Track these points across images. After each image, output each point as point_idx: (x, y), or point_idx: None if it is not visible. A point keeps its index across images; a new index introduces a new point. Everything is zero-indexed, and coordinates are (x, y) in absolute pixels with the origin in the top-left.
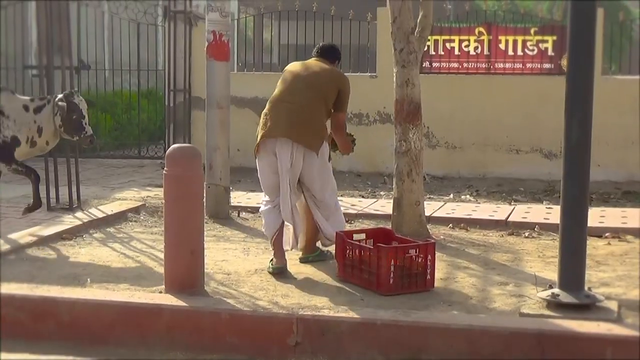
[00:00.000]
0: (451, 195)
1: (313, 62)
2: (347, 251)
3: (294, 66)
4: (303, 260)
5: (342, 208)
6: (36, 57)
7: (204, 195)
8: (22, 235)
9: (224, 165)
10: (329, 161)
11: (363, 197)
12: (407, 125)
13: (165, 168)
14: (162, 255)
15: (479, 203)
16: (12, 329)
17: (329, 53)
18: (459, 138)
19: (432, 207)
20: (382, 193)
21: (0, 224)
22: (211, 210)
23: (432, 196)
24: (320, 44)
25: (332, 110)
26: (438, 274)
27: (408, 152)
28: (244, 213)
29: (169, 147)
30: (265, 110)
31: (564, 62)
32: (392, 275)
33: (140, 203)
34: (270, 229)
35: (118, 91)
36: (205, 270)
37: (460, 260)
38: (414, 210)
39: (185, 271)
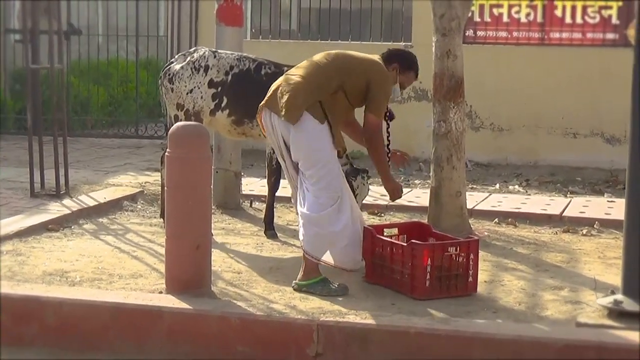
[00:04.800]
0: (497, 185)
1: (361, 53)
2: (376, 249)
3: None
4: (295, 288)
5: (369, 198)
6: (19, 20)
7: (212, 181)
8: (2, 226)
9: (235, 147)
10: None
11: None
12: (448, 103)
13: (167, 149)
14: (162, 251)
15: (530, 195)
16: None
17: (387, 55)
18: (506, 119)
19: (475, 199)
20: (417, 182)
21: None
22: (220, 199)
23: (475, 186)
24: (389, 50)
25: (365, 108)
26: (481, 276)
27: (448, 134)
28: (257, 203)
29: (171, 125)
30: None
31: (631, 32)
32: (428, 276)
33: (137, 190)
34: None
35: (113, 60)
36: (213, 268)
37: (507, 261)
38: (454, 202)
39: (190, 269)
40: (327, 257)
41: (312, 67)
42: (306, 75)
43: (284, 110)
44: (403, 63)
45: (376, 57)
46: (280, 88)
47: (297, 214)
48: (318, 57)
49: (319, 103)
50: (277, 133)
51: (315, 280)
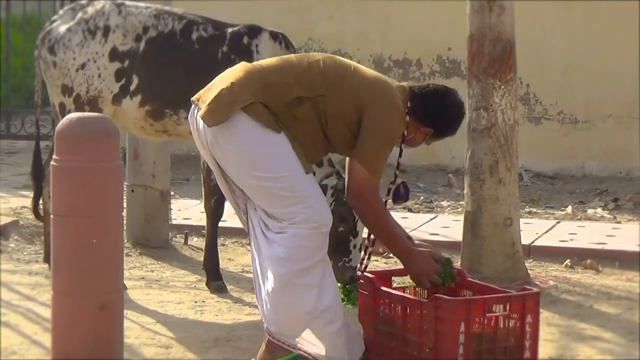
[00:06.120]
0: (569, 209)
1: (370, 71)
2: (380, 307)
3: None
4: None
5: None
6: None
7: (124, 205)
8: None
9: (160, 153)
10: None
11: (411, 210)
12: (491, 81)
13: (54, 155)
14: (47, 314)
15: (619, 222)
16: None
17: (420, 99)
18: (584, 106)
19: (534, 230)
20: (444, 203)
21: None
22: (138, 232)
23: (535, 209)
24: (427, 87)
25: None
26: (545, 349)
27: (492, 129)
28: (195, 238)
29: (57, 119)
30: None
31: None
32: (461, 350)
33: (9, 219)
34: None
35: None
36: (127, 341)
37: (584, 325)
38: (502, 235)
39: (89, 341)
40: (309, 343)
41: (275, 62)
42: (256, 69)
43: (204, 107)
44: (440, 127)
45: (393, 84)
46: (223, 75)
47: (256, 278)
48: (300, 55)
49: (265, 109)
50: (204, 139)
51: (285, 359)
